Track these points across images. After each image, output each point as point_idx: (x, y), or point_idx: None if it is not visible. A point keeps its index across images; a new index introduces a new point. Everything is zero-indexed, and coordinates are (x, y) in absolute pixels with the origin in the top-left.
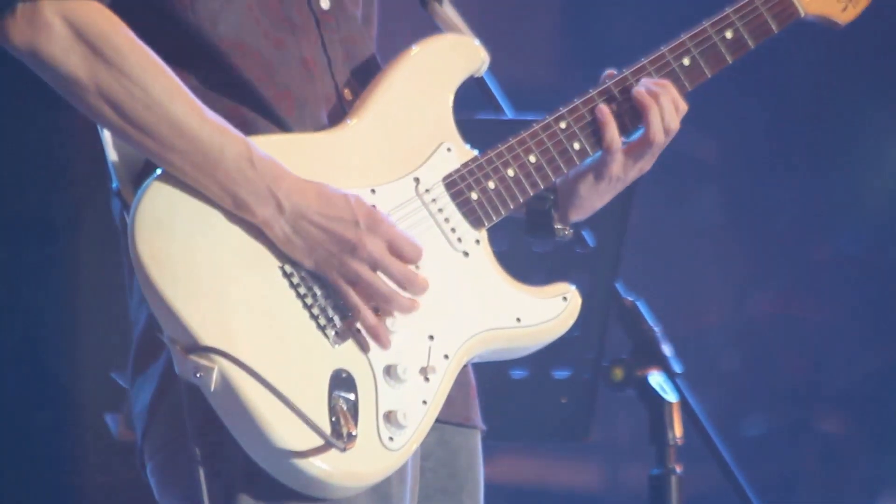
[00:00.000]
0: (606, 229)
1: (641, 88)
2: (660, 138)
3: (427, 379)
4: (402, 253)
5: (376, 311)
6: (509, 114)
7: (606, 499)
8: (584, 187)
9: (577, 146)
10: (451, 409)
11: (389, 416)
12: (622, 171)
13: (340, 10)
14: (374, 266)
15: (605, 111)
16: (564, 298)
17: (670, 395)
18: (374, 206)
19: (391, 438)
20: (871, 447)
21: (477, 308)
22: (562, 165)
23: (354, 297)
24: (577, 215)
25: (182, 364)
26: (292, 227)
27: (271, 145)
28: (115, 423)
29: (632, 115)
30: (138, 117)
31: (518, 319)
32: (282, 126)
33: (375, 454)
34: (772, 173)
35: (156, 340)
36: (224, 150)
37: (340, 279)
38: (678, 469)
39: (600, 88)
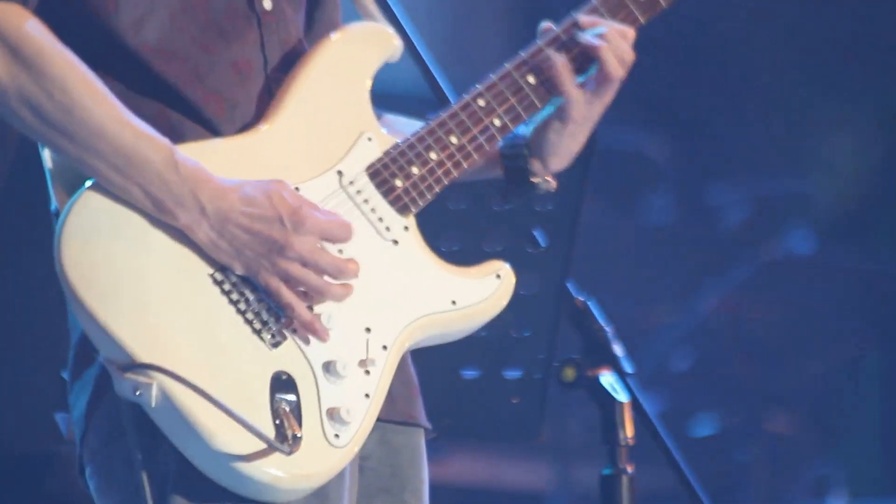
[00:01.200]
0: (557, 229)
1: (585, 36)
2: (617, 72)
3: (367, 372)
4: (333, 237)
5: (310, 308)
6: None
7: (558, 499)
8: (553, 135)
9: (497, 122)
10: (394, 407)
11: (333, 413)
12: (586, 111)
13: (281, 12)
14: (304, 262)
15: (549, 57)
16: (498, 276)
17: (621, 395)
18: (297, 190)
19: (337, 435)
20: (820, 447)
21: (411, 295)
22: (484, 143)
23: (287, 294)
24: (557, 163)
25: (120, 383)
26: (217, 231)
27: (193, 152)
28: (64, 423)
29: (581, 58)
30: (59, 121)
31: (453, 302)
32: (211, 128)
33: (323, 453)
34: (721, 172)
35: (91, 346)
36: (146, 154)
37: (271, 279)
38: (629, 469)
39: (516, 62)
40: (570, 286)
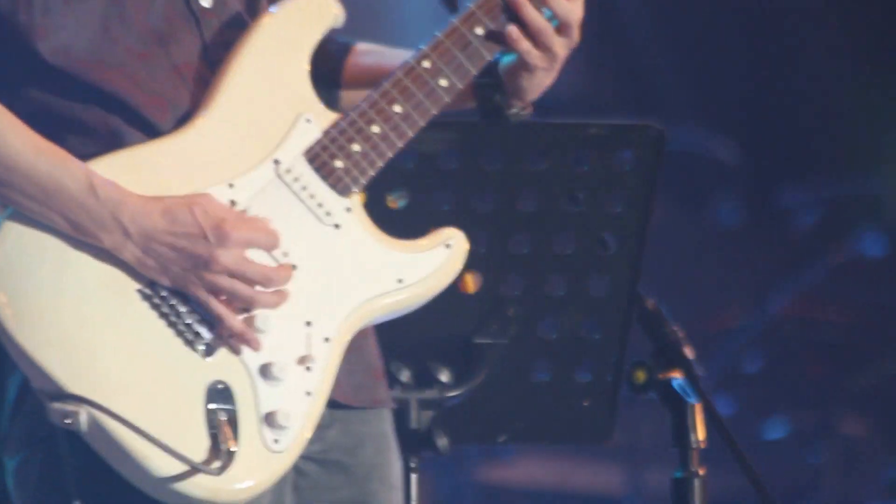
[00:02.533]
0: (628, 231)
1: None
2: (548, 30)
3: (308, 368)
4: (260, 245)
5: (245, 310)
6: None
7: (629, 501)
8: (523, 80)
9: (443, 83)
10: (358, 395)
11: (271, 418)
12: (546, 59)
13: (222, 5)
14: (231, 275)
15: (494, 6)
16: (447, 245)
17: (692, 398)
18: (231, 202)
19: (276, 440)
20: (893, 449)
21: (355, 280)
22: (430, 107)
23: (217, 305)
24: (534, 96)
25: (51, 411)
26: (142, 249)
27: (122, 163)
28: None
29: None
30: None
31: (399, 280)
32: (154, 132)
33: (262, 460)
34: (791, 174)
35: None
36: (62, 181)
37: (199, 292)
38: (701, 472)
39: (465, 13)
40: (640, 288)
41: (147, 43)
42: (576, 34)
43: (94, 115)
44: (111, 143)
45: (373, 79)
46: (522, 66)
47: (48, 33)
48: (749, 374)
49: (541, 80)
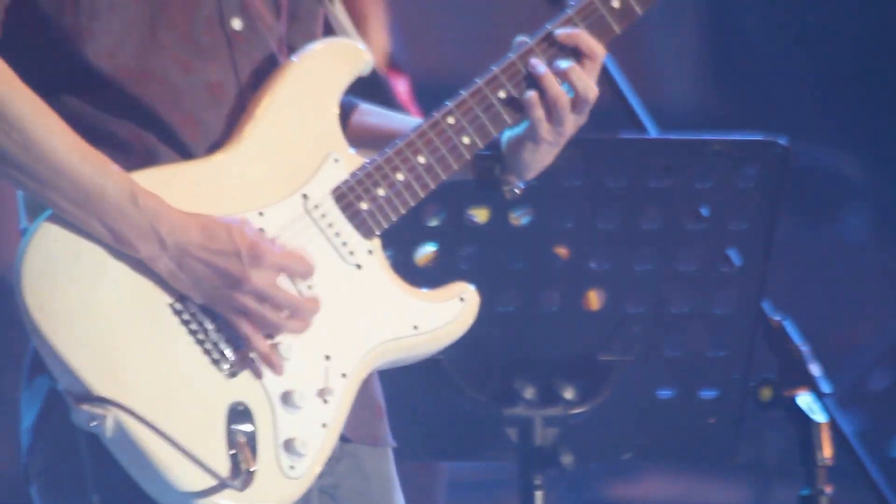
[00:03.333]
0: (752, 248)
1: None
2: (564, 99)
3: (325, 401)
4: (292, 272)
5: (270, 336)
6: (652, 132)
7: None
8: (526, 154)
9: (466, 140)
10: (360, 431)
11: (288, 445)
12: (555, 134)
13: (252, 31)
14: (261, 298)
15: (516, 74)
16: (462, 299)
17: (819, 416)
18: (261, 230)
19: (292, 467)
20: None
21: (372, 321)
22: (452, 162)
23: (245, 326)
24: (530, 175)
25: (76, 413)
26: (177, 263)
27: (157, 178)
28: None
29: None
30: (17, 158)
31: (415, 327)
32: (186, 152)
33: (278, 484)
34: None
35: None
36: (105, 187)
37: (228, 311)
38: (828, 490)
39: (488, 77)
40: (765, 305)
41: (189, 53)
42: (586, 113)
43: (129, 129)
44: (145, 159)
45: (375, 139)
46: (529, 136)
47: (94, 37)
48: (877, 391)
49: (542, 157)
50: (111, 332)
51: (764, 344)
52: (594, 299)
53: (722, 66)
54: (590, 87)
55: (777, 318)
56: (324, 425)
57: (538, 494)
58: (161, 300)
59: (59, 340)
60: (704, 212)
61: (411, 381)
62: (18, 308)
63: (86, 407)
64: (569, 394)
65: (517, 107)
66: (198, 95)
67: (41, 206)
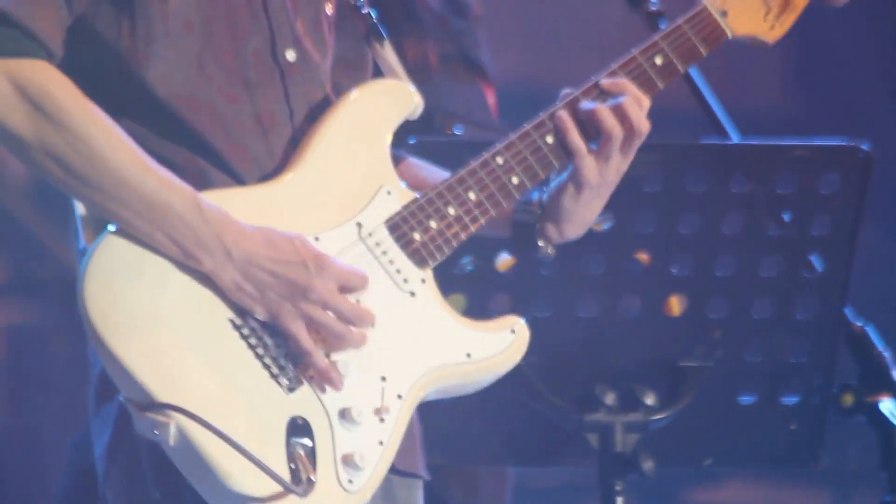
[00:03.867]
0: (835, 253)
1: (584, 105)
2: (617, 131)
3: (382, 420)
4: (350, 286)
5: (327, 355)
6: (734, 138)
7: None
8: (567, 200)
9: (515, 180)
10: (400, 457)
11: (347, 459)
12: (599, 176)
13: (305, 63)
14: (325, 307)
15: (564, 118)
16: (512, 331)
17: None
18: (316, 240)
19: (350, 481)
20: None
21: (427, 346)
22: (501, 200)
23: (306, 340)
24: (571, 230)
25: (139, 422)
26: (242, 273)
27: (214, 199)
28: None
29: (588, 122)
30: (82, 171)
31: (468, 355)
32: (236, 178)
33: (336, 497)
34: None
35: (110, 383)
36: (170, 200)
37: (291, 322)
38: None
39: (535, 121)
40: (847, 311)
41: (236, 86)
42: (631, 155)
43: (183, 155)
44: (200, 184)
45: (421, 188)
46: (572, 180)
47: (149, 62)
48: None
49: (583, 206)
50: (172, 342)
51: (846, 350)
52: (675, 305)
53: (805, 72)
54: (642, 120)
55: (859, 323)
56: (381, 443)
57: (619, 500)
58: (222, 314)
59: (121, 349)
60: (786, 217)
61: (493, 388)
62: (82, 319)
63: (149, 415)
64: (650, 399)
65: (564, 152)
66: (245, 125)
67: (100, 226)
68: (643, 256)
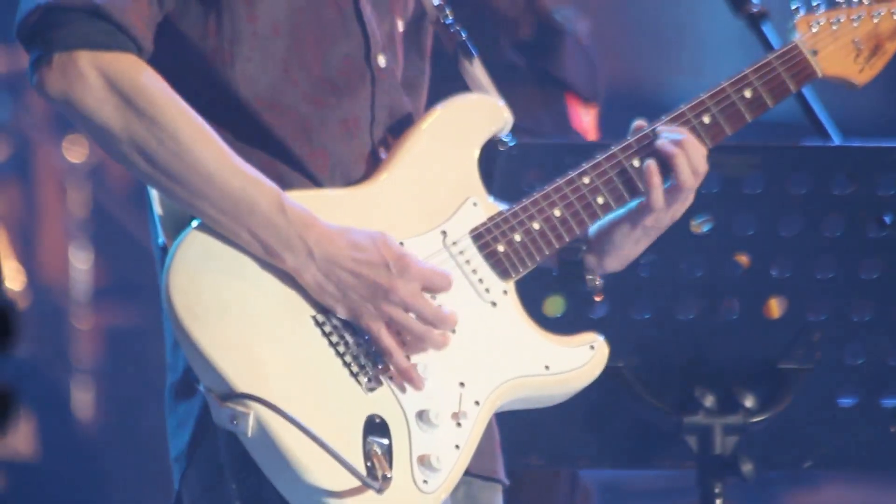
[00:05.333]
0: None
1: (663, 139)
2: (690, 182)
3: (459, 424)
4: (434, 286)
5: (407, 357)
6: (836, 140)
7: None
8: (618, 235)
9: (600, 200)
10: (479, 462)
11: (423, 460)
12: (657, 220)
13: (391, 71)
14: (406, 308)
15: (652, 165)
16: (592, 347)
17: None
18: (401, 244)
19: (426, 481)
20: None
21: (506, 356)
22: (586, 218)
23: (387, 339)
24: (613, 265)
25: (218, 412)
26: (324, 273)
27: (300, 199)
28: None
29: (660, 165)
30: (169, 166)
31: (547, 367)
32: (315, 183)
33: (411, 497)
34: None
35: (189, 385)
36: (255, 198)
37: (373, 322)
38: None
39: (623, 144)
40: None
41: (322, 92)
42: (687, 203)
43: (262, 158)
44: (280, 188)
45: None
46: (628, 217)
47: (234, 62)
48: None
49: (632, 243)
50: (254, 335)
51: None
52: (775, 307)
53: None
54: (689, 176)
55: None
56: (457, 447)
57: (718, 503)
58: (304, 311)
59: (204, 340)
60: (887, 219)
61: (591, 390)
62: (166, 313)
63: (229, 405)
64: (749, 402)
65: (643, 181)
66: (329, 130)
67: (177, 223)
68: (743, 258)
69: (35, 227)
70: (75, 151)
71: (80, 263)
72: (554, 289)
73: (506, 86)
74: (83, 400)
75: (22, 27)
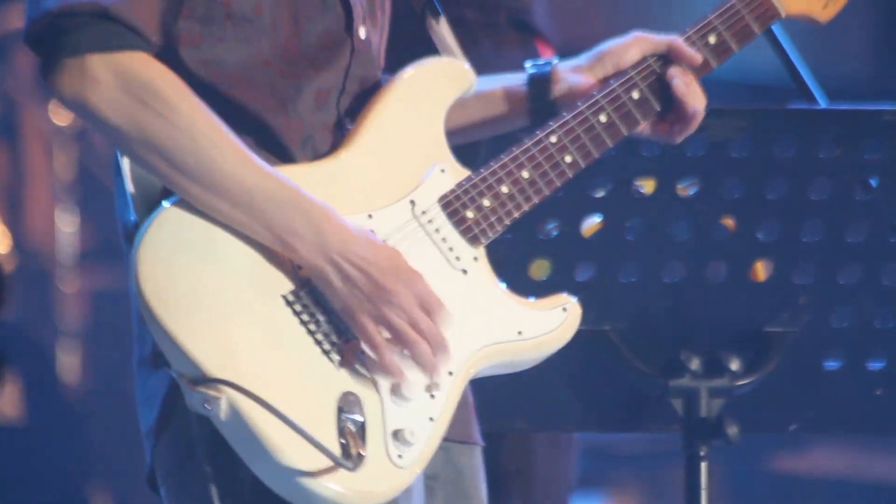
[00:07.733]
0: None
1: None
2: (694, 105)
3: (433, 396)
4: (429, 307)
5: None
6: (822, 103)
7: None
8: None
9: (568, 159)
10: (454, 428)
11: (397, 434)
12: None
13: (370, 42)
14: (405, 315)
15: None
16: (564, 309)
17: None
18: (371, 231)
19: (400, 456)
20: None
21: (479, 324)
22: (554, 178)
23: (379, 338)
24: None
25: (190, 396)
26: (332, 264)
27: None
28: None
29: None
30: (184, 163)
31: (519, 332)
32: (286, 157)
33: (386, 472)
34: None
35: (158, 357)
36: (271, 194)
37: (368, 321)
38: None
39: (589, 102)
40: None
41: (297, 66)
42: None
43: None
44: None
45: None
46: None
47: (202, 42)
48: None
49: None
50: (225, 318)
51: None
52: (761, 270)
53: (894, 35)
54: (692, 100)
55: None
56: (431, 419)
57: (703, 466)
58: (274, 290)
59: (174, 325)
60: (874, 183)
61: (575, 352)
62: (134, 295)
63: (200, 389)
64: (735, 365)
65: (619, 130)
66: (305, 100)
67: (150, 203)
68: (729, 222)
69: (21, 190)
70: (62, 114)
71: (67, 226)
72: (539, 252)
73: (484, 27)
74: (69, 363)
75: (31, 33)
